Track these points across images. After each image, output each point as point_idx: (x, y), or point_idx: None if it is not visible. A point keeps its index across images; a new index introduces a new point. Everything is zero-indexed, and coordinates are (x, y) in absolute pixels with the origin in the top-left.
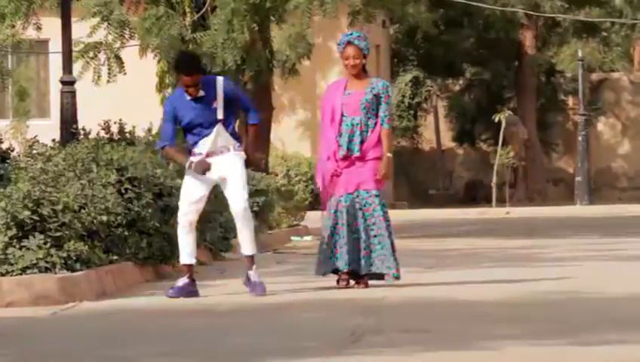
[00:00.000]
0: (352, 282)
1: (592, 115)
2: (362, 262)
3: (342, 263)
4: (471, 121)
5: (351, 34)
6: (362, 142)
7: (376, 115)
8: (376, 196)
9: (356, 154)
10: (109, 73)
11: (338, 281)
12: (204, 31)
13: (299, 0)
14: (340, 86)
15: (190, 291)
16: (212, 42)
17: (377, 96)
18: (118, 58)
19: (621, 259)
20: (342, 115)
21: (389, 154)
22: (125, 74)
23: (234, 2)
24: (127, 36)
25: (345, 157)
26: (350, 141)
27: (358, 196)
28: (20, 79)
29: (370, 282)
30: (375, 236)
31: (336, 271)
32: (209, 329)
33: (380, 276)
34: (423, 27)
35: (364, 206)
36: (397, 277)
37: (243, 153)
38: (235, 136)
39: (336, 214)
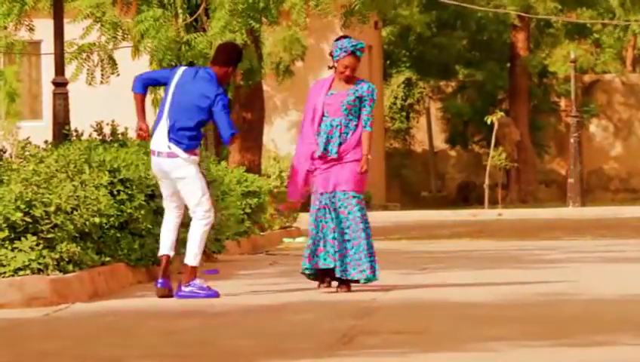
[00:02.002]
0: (333, 284)
1: (584, 117)
2: (338, 264)
3: (321, 263)
4: (463, 123)
5: (356, 44)
6: (340, 143)
7: (358, 117)
8: (354, 197)
9: (333, 155)
10: (102, 74)
11: (319, 286)
12: (198, 32)
13: (294, 1)
14: (324, 85)
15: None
16: (207, 43)
17: (361, 98)
18: (111, 59)
19: (614, 260)
20: (322, 115)
21: (369, 156)
22: (118, 75)
23: (232, 1)
24: (119, 38)
25: (321, 158)
26: (328, 142)
27: (334, 197)
28: (9, 80)
29: (361, 285)
30: (348, 241)
31: (316, 275)
32: (201, 331)
33: (356, 281)
34: (415, 29)
35: (340, 208)
36: (370, 279)
37: None
38: None
39: (320, 211)
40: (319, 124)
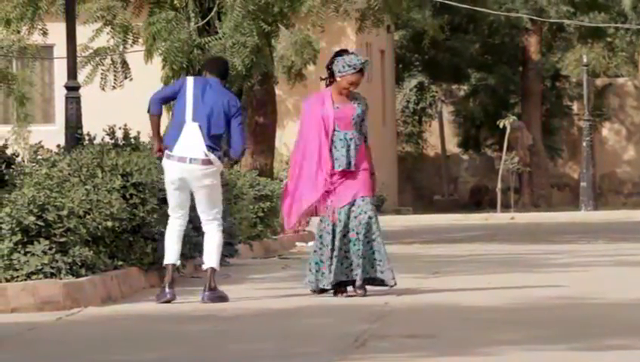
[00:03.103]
0: (349, 289)
1: (596, 121)
2: (360, 269)
3: (328, 280)
4: (476, 127)
5: (364, 61)
6: (355, 156)
7: (359, 130)
8: (372, 203)
9: (352, 168)
10: (114, 79)
11: (335, 294)
12: (210, 36)
13: (312, 4)
14: (323, 100)
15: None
16: (221, 46)
17: (363, 112)
18: (124, 63)
19: (626, 264)
20: (334, 129)
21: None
22: (131, 79)
23: (244, 4)
24: (130, 41)
25: (342, 172)
26: (348, 155)
27: (354, 204)
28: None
29: (373, 288)
30: (369, 242)
31: (324, 290)
32: (212, 335)
33: (381, 282)
34: (428, 33)
35: (360, 213)
36: (393, 285)
37: None
38: None
39: (333, 228)
40: (332, 138)
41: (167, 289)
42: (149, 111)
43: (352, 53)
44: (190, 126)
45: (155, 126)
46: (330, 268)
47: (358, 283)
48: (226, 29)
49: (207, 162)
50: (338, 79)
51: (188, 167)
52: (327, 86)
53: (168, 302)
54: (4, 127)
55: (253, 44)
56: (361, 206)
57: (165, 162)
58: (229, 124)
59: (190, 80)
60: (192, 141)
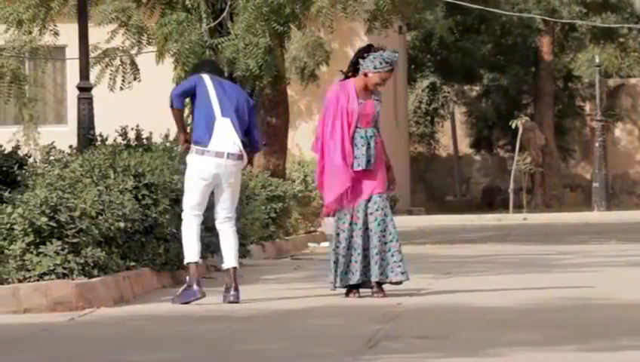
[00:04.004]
0: (361, 291)
1: (609, 121)
2: (375, 269)
3: (355, 278)
4: (488, 127)
5: (396, 59)
6: (374, 154)
7: (376, 126)
8: (387, 200)
9: (371, 168)
10: (123, 79)
11: (347, 294)
12: (221, 37)
13: (321, 4)
14: (349, 91)
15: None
16: (233, 47)
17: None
18: (133, 64)
19: (639, 265)
20: (356, 126)
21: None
22: (140, 81)
23: (257, 5)
24: (144, 42)
25: (362, 170)
26: (367, 153)
27: (370, 200)
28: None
29: (386, 288)
30: (386, 243)
31: (350, 286)
32: (224, 335)
33: (397, 282)
34: (440, 33)
35: (377, 210)
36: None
37: (189, 154)
38: (192, 136)
39: (351, 225)
40: (352, 135)
41: (195, 288)
42: (172, 106)
43: (384, 48)
44: (222, 121)
45: (180, 120)
46: (350, 267)
47: (375, 282)
48: (239, 30)
49: (241, 157)
50: (370, 75)
51: (224, 163)
52: (344, 78)
53: (198, 299)
54: (14, 128)
55: (266, 45)
56: (378, 202)
57: (198, 158)
58: (249, 120)
59: (206, 77)
60: (227, 136)
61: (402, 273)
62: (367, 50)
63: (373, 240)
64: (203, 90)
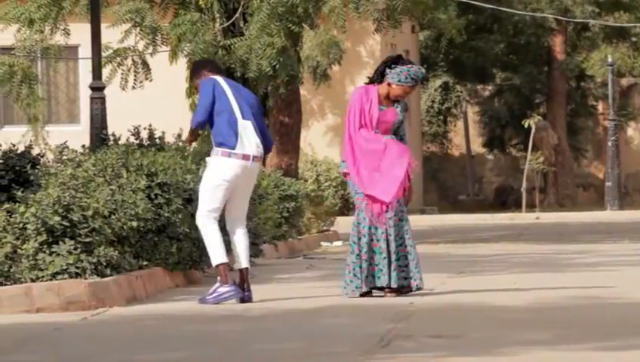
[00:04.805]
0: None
1: (622, 120)
2: (394, 274)
3: (385, 280)
4: (501, 127)
5: (422, 76)
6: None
7: (397, 133)
8: (404, 205)
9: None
10: (134, 79)
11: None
12: (234, 37)
13: (333, 4)
14: (371, 96)
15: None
16: (247, 48)
17: (403, 117)
18: (145, 64)
19: None
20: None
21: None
22: (152, 80)
23: (271, 5)
24: (159, 42)
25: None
26: None
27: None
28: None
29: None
30: (405, 247)
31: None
32: (237, 335)
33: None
34: (453, 34)
35: (395, 215)
36: (421, 288)
37: (211, 157)
38: (213, 138)
39: (370, 230)
40: None
41: (231, 286)
42: (198, 127)
43: (413, 63)
44: (244, 124)
45: (196, 137)
46: (372, 271)
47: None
48: (253, 30)
49: (261, 160)
50: (394, 86)
51: (249, 165)
52: (369, 83)
53: (236, 296)
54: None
55: (280, 45)
56: (396, 208)
57: (225, 160)
58: (262, 121)
59: (220, 79)
60: (250, 139)
61: (417, 279)
62: (396, 60)
63: (392, 247)
64: (222, 93)
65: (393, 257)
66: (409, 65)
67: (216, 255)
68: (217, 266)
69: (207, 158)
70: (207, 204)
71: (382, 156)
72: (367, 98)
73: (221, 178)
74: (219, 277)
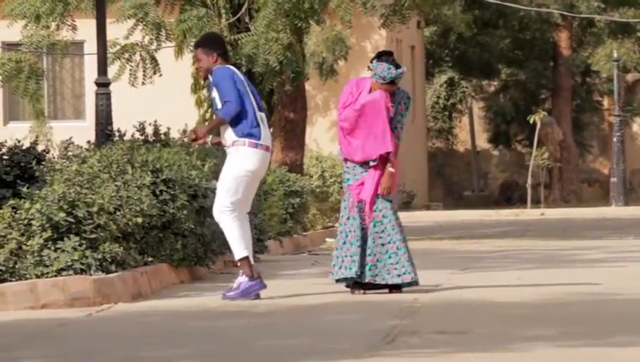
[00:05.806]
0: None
1: (627, 116)
2: (366, 269)
3: (352, 272)
4: (506, 122)
5: (396, 75)
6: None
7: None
8: (389, 201)
9: (374, 163)
10: (144, 75)
11: (353, 292)
12: (240, 32)
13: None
14: (361, 88)
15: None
16: (253, 43)
17: (397, 112)
18: (153, 59)
19: None
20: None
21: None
22: (161, 75)
23: (276, 0)
24: (162, 37)
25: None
26: None
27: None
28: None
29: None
30: (382, 245)
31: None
32: (242, 331)
33: (390, 287)
34: (462, 28)
35: (374, 211)
36: (415, 283)
37: (236, 148)
38: (237, 128)
39: (349, 221)
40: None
41: (257, 280)
42: (230, 115)
43: (391, 61)
44: (260, 115)
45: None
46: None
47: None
48: (260, 26)
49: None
50: (373, 81)
51: (268, 157)
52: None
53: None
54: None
55: (286, 40)
56: (377, 203)
57: (252, 151)
58: None
59: (234, 68)
60: (267, 131)
61: (401, 274)
62: (378, 57)
63: (368, 242)
64: (240, 83)
65: (367, 251)
66: (393, 68)
67: (240, 249)
68: (241, 260)
69: (230, 149)
70: (230, 196)
71: (359, 119)
72: (357, 90)
73: (246, 169)
74: (241, 271)
